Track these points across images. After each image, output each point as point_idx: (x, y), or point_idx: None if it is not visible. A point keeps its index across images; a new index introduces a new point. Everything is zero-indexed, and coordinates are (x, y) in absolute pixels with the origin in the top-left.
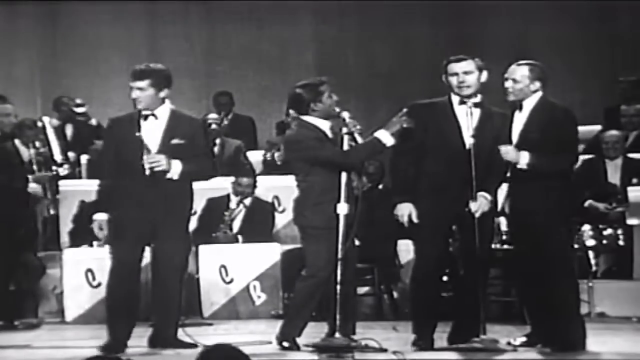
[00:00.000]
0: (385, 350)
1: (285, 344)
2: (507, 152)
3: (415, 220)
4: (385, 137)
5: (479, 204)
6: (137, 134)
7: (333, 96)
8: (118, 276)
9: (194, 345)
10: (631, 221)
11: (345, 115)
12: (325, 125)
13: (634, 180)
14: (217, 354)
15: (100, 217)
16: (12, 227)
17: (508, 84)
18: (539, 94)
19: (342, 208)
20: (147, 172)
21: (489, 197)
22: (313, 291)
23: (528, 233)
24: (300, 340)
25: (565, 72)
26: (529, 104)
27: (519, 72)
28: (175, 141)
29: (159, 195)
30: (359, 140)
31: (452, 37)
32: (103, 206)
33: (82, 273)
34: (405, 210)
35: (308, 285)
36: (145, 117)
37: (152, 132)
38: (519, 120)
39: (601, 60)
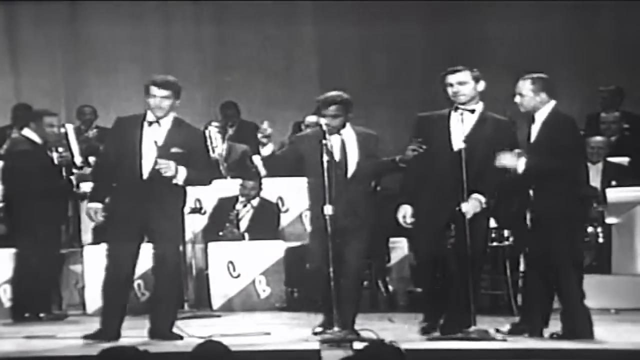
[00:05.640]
0: (382, 340)
1: None
2: (504, 157)
3: (408, 220)
4: None
5: (471, 205)
6: (155, 140)
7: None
8: (111, 272)
9: (181, 337)
10: (610, 220)
11: (322, 122)
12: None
13: (613, 183)
14: (207, 348)
15: (95, 205)
16: (49, 226)
17: (517, 98)
18: (551, 104)
19: (327, 209)
20: (146, 175)
21: (482, 198)
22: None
23: (546, 231)
24: (303, 332)
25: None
26: (541, 115)
27: (524, 86)
28: (174, 150)
29: (152, 197)
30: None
31: (448, 48)
32: (97, 197)
33: (101, 268)
34: (402, 212)
35: None
36: (150, 123)
37: (153, 138)
38: (533, 132)
39: (582, 70)
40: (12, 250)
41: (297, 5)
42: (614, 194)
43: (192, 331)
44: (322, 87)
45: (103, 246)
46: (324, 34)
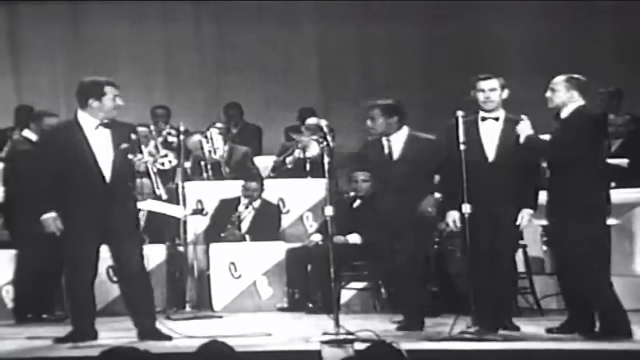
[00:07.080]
0: (383, 341)
1: None
2: (524, 126)
3: (459, 224)
4: None
5: (523, 220)
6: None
7: None
8: (78, 275)
9: (170, 337)
10: (609, 221)
11: (323, 123)
12: None
13: (612, 184)
14: (210, 347)
15: (51, 215)
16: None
17: (547, 92)
18: (578, 102)
19: (328, 210)
20: (109, 179)
21: (530, 211)
22: None
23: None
24: (304, 333)
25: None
26: (565, 112)
27: (557, 81)
28: (123, 146)
29: (114, 200)
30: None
31: (448, 49)
32: (50, 207)
33: (103, 270)
34: (451, 217)
35: None
36: (97, 127)
37: (105, 139)
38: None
39: (582, 72)
40: (15, 252)
41: (297, 5)
42: (614, 195)
43: (194, 332)
44: (322, 87)
45: (104, 248)
46: (324, 34)
